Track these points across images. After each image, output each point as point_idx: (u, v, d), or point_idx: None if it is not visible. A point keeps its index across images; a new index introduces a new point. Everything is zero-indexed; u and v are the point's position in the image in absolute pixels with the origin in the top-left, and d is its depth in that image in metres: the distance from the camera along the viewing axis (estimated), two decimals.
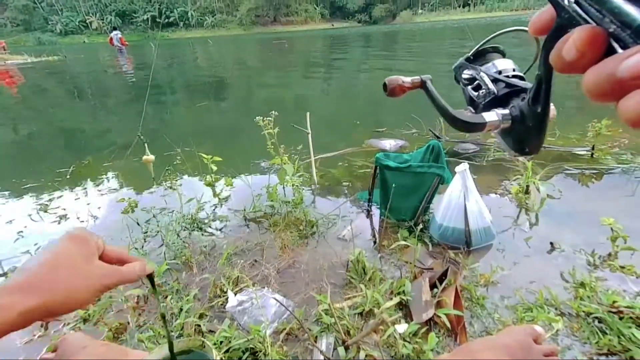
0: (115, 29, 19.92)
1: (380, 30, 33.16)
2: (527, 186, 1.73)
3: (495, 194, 1.86)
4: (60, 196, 2.16)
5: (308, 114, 2.47)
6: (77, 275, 0.43)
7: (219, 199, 2.06)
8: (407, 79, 0.44)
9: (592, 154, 2.21)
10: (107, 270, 0.45)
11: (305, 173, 2.19)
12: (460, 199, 1.38)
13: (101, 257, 0.46)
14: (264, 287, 1.28)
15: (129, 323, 1.15)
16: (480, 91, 0.40)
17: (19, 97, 6.93)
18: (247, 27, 55.21)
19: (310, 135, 2.36)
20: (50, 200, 2.11)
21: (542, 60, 0.26)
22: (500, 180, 2.00)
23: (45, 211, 1.96)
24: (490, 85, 0.39)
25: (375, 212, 1.79)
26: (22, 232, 1.77)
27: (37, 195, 2.20)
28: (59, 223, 1.84)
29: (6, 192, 2.27)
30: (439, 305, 1.06)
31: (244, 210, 1.84)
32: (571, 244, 1.41)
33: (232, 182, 2.24)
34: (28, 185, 2.34)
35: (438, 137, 2.78)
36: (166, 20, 53.97)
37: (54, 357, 0.90)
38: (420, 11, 58.90)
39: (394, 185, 1.51)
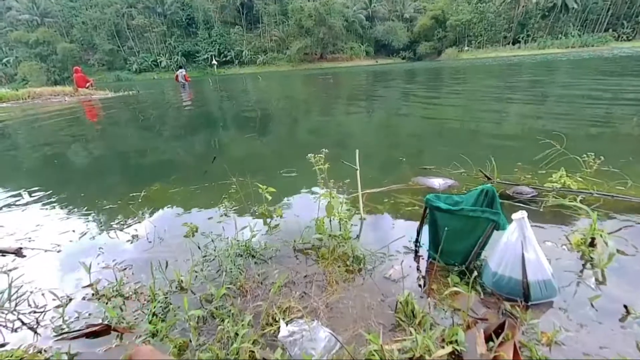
0: (180, 67, 22.37)
1: (424, 66, 33.52)
2: (593, 238, 1.62)
3: (555, 244, 1.76)
4: (134, 217, 2.42)
5: (357, 151, 2.57)
6: None
7: (270, 228, 2.17)
8: None
9: None
10: None
11: (352, 207, 2.25)
12: (517, 248, 1.34)
13: None
14: (313, 320, 1.31)
15: (190, 341, 1.25)
16: None
17: (99, 127, 7.95)
18: (295, 64, 58.95)
19: (358, 172, 2.45)
20: (125, 220, 2.38)
21: None
22: (560, 229, 1.89)
23: (121, 230, 2.22)
24: None
25: (423, 253, 1.78)
26: (102, 248, 2.01)
27: (114, 215, 2.49)
28: (131, 242, 2.07)
29: (90, 211, 2.60)
30: None
31: (294, 241, 1.92)
32: None
33: (282, 212, 2.36)
34: (108, 206, 2.66)
35: (489, 178, 2.72)
36: (224, 58, 59.71)
37: None
38: (466, 48, 58.80)
39: (446, 228, 1.51)
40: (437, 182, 2.76)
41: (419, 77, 18.19)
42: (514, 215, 1.35)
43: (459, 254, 1.60)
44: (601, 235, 1.57)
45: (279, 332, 1.25)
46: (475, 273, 1.37)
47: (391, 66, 42.23)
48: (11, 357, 1.20)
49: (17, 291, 1.56)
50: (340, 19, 59.31)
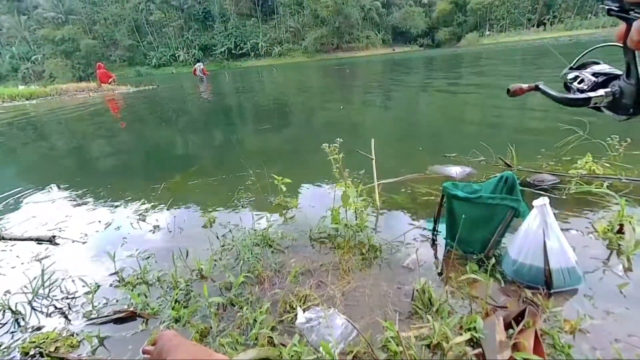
0: (198, 61, 22.58)
1: (443, 53, 32.50)
2: (621, 225, 1.55)
3: (580, 232, 1.69)
4: (155, 208, 2.51)
5: (373, 140, 2.54)
6: None
7: (286, 218, 2.19)
8: (525, 85, 0.66)
9: None
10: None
11: (368, 197, 2.24)
12: (538, 235, 1.30)
13: None
14: (330, 307, 1.33)
15: (211, 327, 1.29)
16: (583, 83, 0.56)
17: (121, 121, 8.21)
18: (311, 55, 58.37)
19: (374, 161, 2.42)
20: (147, 211, 2.47)
21: (625, 50, 0.42)
22: (586, 216, 1.82)
23: (144, 221, 2.30)
24: (592, 78, 0.54)
25: (441, 242, 1.75)
26: (126, 237, 2.10)
27: (137, 206, 2.59)
28: (153, 232, 2.14)
29: (114, 202, 2.72)
30: (515, 348, 1.01)
31: (310, 231, 1.94)
32: None
33: (298, 203, 2.38)
34: (129, 197, 2.77)
35: (509, 166, 2.63)
36: (240, 51, 60.01)
37: (154, 350, 1.07)
38: (487, 33, 56.39)
39: (463, 216, 1.48)
40: (455, 171, 2.70)
41: (437, 66, 17.68)
42: (535, 202, 1.31)
43: (478, 242, 1.56)
44: (630, 222, 1.50)
45: (296, 319, 1.28)
46: (494, 260, 1.34)
47: (408, 54, 41.16)
48: (46, 339, 1.28)
49: (49, 278, 1.66)
50: (357, 7, 58.04)
